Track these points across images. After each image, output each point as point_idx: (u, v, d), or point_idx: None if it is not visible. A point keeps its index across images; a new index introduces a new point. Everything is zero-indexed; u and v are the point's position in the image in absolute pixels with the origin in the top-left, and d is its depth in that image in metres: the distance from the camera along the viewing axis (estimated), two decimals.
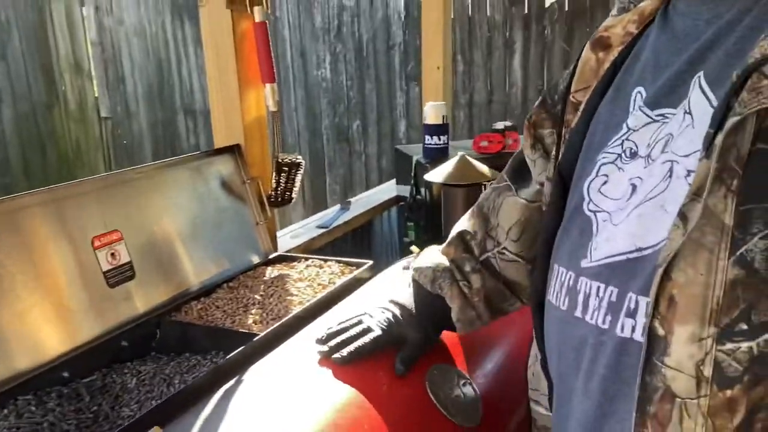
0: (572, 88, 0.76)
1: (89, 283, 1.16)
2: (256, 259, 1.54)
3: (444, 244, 1.03)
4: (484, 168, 1.52)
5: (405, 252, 1.62)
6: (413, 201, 2.03)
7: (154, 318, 1.24)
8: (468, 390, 0.99)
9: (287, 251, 1.73)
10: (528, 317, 0.83)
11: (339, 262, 1.52)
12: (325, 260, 1.53)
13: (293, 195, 1.65)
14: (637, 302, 0.61)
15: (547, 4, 3.65)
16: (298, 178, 1.63)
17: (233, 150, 1.56)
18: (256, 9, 1.50)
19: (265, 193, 1.60)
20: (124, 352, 1.17)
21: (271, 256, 1.58)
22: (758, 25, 0.56)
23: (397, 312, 0.99)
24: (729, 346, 0.53)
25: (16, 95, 5.33)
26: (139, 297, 1.24)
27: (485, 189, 1.61)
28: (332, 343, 0.95)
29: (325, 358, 0.94)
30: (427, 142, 1.95)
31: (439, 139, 1.93)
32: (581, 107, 0.74)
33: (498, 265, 0.98)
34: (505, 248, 0.97)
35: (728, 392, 0.53)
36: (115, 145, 5.37)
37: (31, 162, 5.41)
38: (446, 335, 1.04)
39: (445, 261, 1.00)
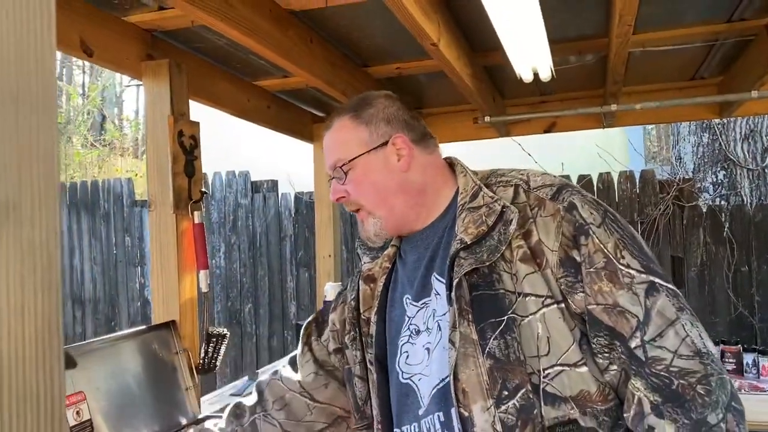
0: (361, 310, 1.20)
1: None
2: (184, 420, 1.78)
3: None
4: None
5: None
6: None
7: None
8: None
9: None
10: None
11: None
12: None
13: (217, 363, 1.94)
14: (456, 411, 1.01)
15: None
16: (223, 348, 1.94)
17: (169, 325, 1.86)
18: (195, 213, 1.92)
19: (193, 362, 1.88)
20: None
21: (199, 417, 1.82)
22: (448, 241, 1.08)
23: None
24: (502, 407, 0.96)
25: None
26: None
27: None
28: None
29: None
30: None
31: None
32: (372, 319, 1.18)
33: (260, 427, 1.29)
34: (269, 414, 1.30)
35: None
36: None
37: None
38: None
39: (211, 427, 1.33)
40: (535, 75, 2.21)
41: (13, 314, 0.33)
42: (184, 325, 1.88)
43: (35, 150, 0.34)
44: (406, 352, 1.10)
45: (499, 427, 0.94)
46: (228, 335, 1.94)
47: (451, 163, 1.18)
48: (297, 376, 1.29)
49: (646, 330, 0.92)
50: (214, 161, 4.64)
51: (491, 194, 1.05)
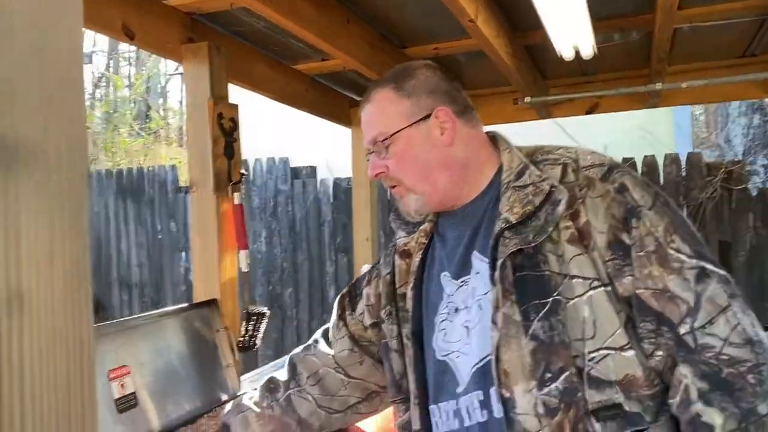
0: (396, 285, 1.18)
1: (103, 408, 1.42)
2: (225, 397, 1.82)
3: None
4: None
5: None
6: None
7: None
8: None
9: None
10: None
11: None
12: None
13: (257, 342, 1.97)
14: (496, 391, 0.99)
15: None
16: (263, 326, 1.97)
17: (210, 304, 1.89)
18: (235, 194, 1.94)
19: (234, 340, 1.92)
20: None
21: (238, 394, 1.86)
22: (491, 219, 1.05)
23: None
24: (545, 389, 0.94)
25: None
26: (140, 422, 1.50)
27: None
28: None
29: None
30: None
31: None
32: (408, 295, 1.16)
33: (295, 402, 1.29)
34: (303, 389, 1.30)
35: (556, 419, 0.93)
36: None
37: None
38: None
39: (247, 402, 1.33)
40: (577, 53, 2.16)
41: (42, 257, 0.33)
42: (225, 304, 1.92)
43: (61, 95, 0.35)
44: (444, 329, 1.08)
45: (541, 409, 0.93)
46: (268, 313, 1.96)
47: (493, 138, 1.15)
48: (331, 351, 1.29)
49: (696, 316, 0.90)
50: (255, 147, 4.69)
51: (538, 173, 1.02)
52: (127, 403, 1.47)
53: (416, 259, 1.16)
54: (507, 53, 2.10)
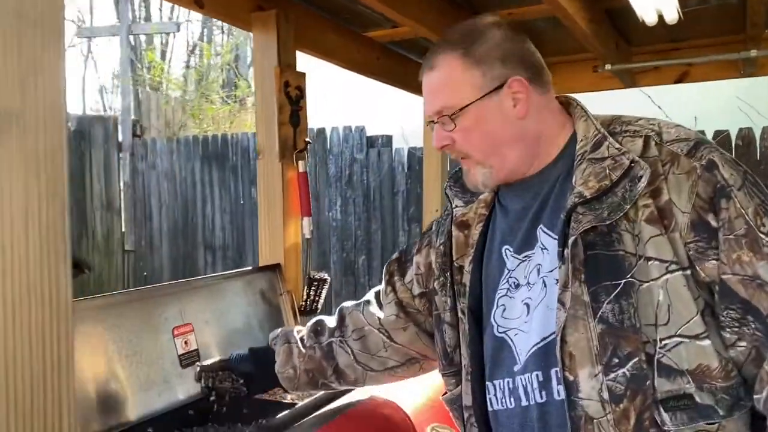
0: (454, 257, 1.12)
1: (167, 362, 1.50)
2: None
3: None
4: None
5: None
6: None
7: None
8: None
9: None
10: None
11: None
12: None
13: (319, 306, 2.02)
14: (557, 372, 0.95)
15: None
16: (324, 292, 2.01)
17: (274, 268, 1.95)
18: (300, 162, 1.97)
19: (296, 304, 1.97)
20: (190, 418, 1.48)
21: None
22: (561, 192, 0.99)
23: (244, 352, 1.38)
24: (611, 375, 0.89)
25: None
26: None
27: None
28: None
29: None
30: None
31: None
32: (466, 268, 1.11)
33: (335, 350, 1.29)
34: (345, 341, 1.29)
35: (621, 405, 0.89)
36: (135, 277, 5.76)
37: None
38: None
39: (295, 336, 1.34)
40: (661, 18, 2.02)
41: (18, 219, 0.35)
42: (288, 269, 1.97)
43: (39, 63, 0.35)
44: (503, 305, 1.04)
45: (606, 395, 0.89)
46: (329, 280, 2.00)
47: (566, 103, 1.08)
48: (379, 313, 1.28)
49: None
50: (331, 116, 4.74)
51: (618, 145, 0.95)
52: (190, 359, 1.55)
53: (475, 231, 1.11)
54: (584, 18, 1.99)
